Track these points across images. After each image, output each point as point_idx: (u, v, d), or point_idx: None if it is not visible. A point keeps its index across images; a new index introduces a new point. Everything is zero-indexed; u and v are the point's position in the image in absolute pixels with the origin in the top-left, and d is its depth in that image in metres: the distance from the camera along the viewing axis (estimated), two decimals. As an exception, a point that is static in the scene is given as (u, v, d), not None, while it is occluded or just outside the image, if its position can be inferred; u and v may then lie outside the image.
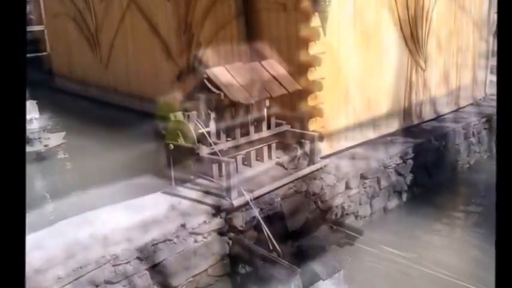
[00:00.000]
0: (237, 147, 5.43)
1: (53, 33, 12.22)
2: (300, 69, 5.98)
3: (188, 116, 5.22)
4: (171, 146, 5.03)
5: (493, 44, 9.55)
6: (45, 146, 7.60)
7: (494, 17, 9.26)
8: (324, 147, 6.18)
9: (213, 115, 5.14)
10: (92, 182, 6.93)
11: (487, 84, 9.53)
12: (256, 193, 4.90)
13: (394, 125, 7.33)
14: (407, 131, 7.47)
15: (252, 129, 5.56)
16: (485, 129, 8.49)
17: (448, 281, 4.64)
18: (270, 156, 5.91)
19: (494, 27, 9.34)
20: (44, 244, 3.98)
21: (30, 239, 3.91)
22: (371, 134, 6.96)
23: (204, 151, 4.96)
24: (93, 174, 7.26)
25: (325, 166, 5.75)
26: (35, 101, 7.73)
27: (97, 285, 3.84)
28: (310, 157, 5.65)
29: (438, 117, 8.22)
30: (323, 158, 6.00)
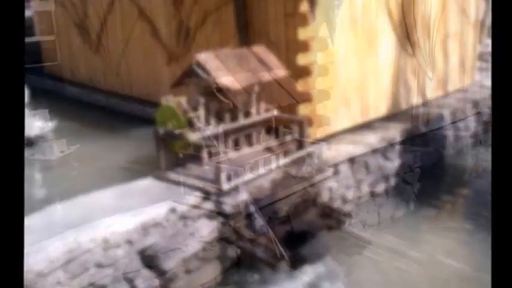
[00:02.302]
0: (226, 132, 5.46)
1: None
2: (291, 54, 6.02)
3: (178, 101, 5.24)
4: (161, 131, 5.05)
5: (481, 31, 9.60)
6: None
7: (482, 4, 9.31)
8: (312, 132, 6.23)
9: (202, 100, 5.16)
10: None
11: (475, 70, 9.60)
12: (245, 178, 4.95)
13: (382, 111, 7.40)
14: (395, 117, 7.54)
15: (241, 114, 5.59)
16: (472, 114, 8.56)
17: (435, 261, 4.73)
18: (258, 141, 5.95)
19: (482, 15, 9.39)
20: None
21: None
22: (359, 119, 7.02)
23: (194, 136, 4.99)
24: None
25: (313, 151, 5.80)
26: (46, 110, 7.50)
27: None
28: (299, 142, 5.70)
29: (426, 103, 8.28)
30: (312, 142, 6.06)
